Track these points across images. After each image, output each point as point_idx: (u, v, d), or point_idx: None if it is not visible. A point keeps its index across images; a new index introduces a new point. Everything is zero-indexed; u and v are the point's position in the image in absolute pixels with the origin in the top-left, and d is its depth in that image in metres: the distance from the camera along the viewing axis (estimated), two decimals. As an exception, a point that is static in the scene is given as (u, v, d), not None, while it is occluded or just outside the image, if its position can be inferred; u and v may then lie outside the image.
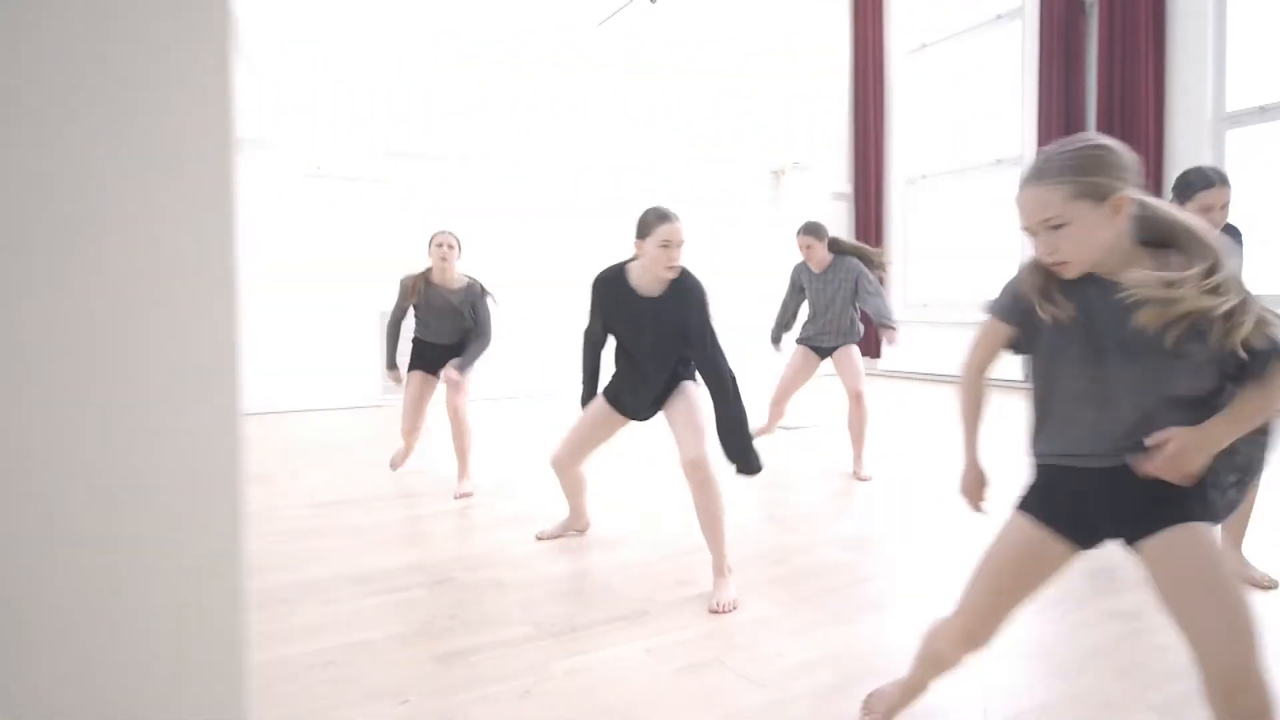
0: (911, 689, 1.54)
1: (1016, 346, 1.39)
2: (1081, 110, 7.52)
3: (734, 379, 2.51)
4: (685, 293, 2.53)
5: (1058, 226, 1.20)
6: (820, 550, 2.93)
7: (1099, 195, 1.18)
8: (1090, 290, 1.24)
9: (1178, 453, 1.15)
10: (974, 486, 1.48)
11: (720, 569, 2.43)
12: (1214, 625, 1.10)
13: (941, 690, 1.59)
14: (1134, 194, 1.22)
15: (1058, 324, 1.26)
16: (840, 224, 10.00)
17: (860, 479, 3.99)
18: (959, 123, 8.95)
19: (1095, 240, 1.19)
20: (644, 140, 8.08)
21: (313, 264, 6.49)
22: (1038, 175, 1.24)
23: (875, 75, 9.62)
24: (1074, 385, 1.28)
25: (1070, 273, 1.23)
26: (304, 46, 6.73)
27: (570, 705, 1.77)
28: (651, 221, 2.48)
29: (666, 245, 2.44)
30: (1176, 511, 1.19)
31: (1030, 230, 1.25)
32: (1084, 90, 7.50)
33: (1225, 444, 1.17)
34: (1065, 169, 1.21)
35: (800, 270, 4.18)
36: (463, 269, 3.93)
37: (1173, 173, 6.86)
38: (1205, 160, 6.43)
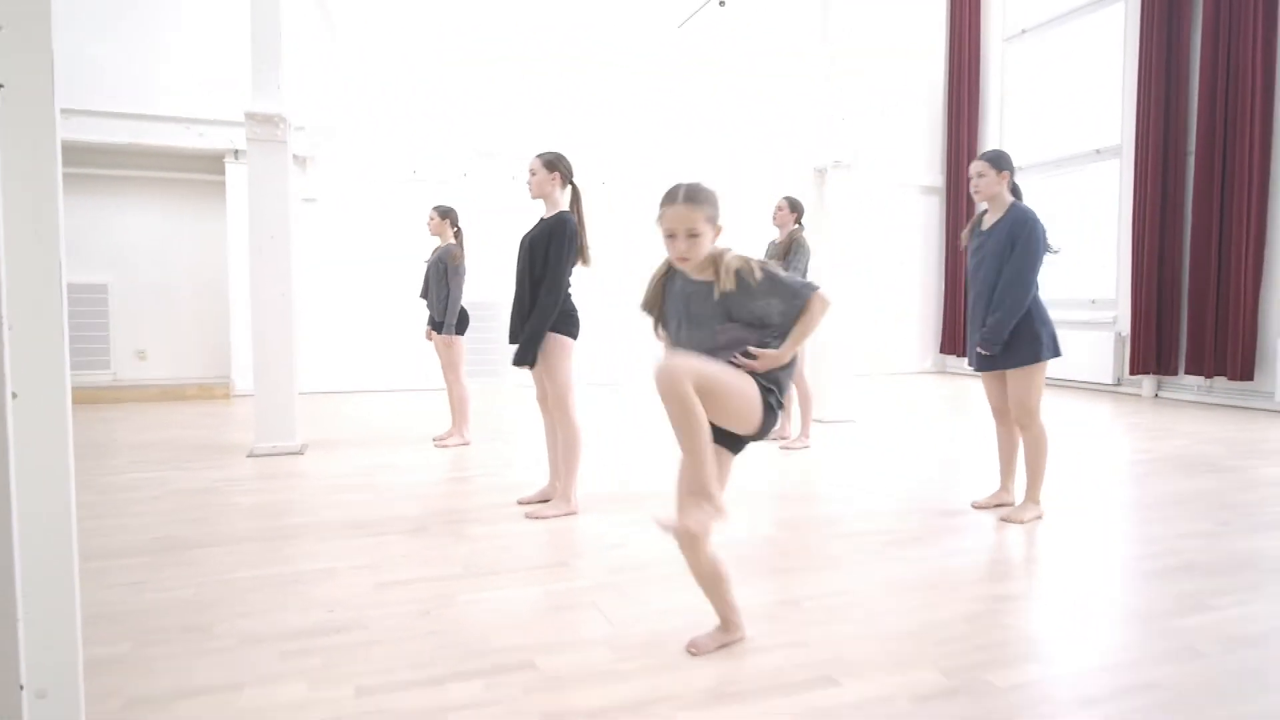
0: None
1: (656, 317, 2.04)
2: (1185, 98, 6.92)
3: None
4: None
5: (693, 235, 1.80)
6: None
7: (715, 220, 1.85)
8: (679, 281, 1.94)
9: (760, 363, 1.85)
10: None
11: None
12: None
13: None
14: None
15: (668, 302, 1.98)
16: (932, 217, 9.73)
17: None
18: (1057, 112, 8.43)
19: (707, 248, 1.84)
20: (707, 142, 8.27)
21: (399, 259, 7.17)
22: (689, 197, 1.80)
23: (971, 64, 9.23)
24: (679, 336, 1.95)
25: (688, 268, 1.88)
26: (397, 58, 7.48)
27: (452, 626, 2.12)
28: None
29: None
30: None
31: (672, 235, 1.82)
32: (1187, 76, 6.90)
33: (786, 359, 1.88)
34: (706, 198, 1.81)
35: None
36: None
37: (1283, 163, 6.26)
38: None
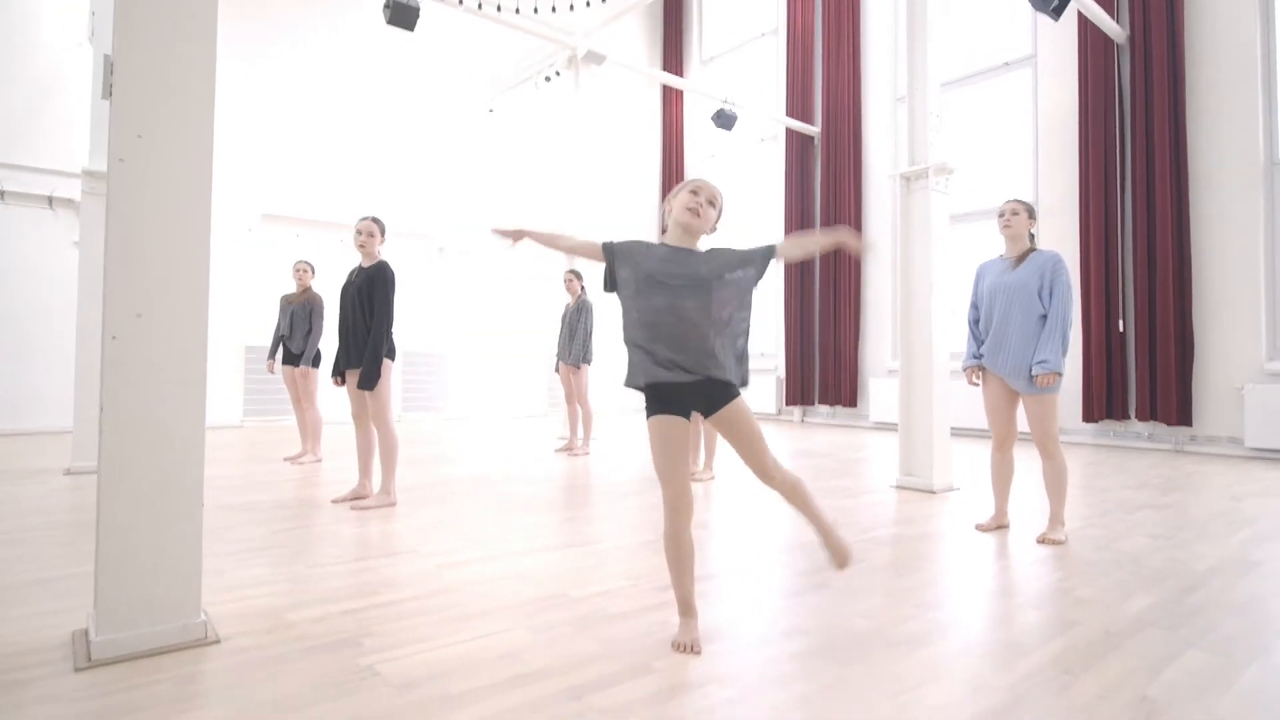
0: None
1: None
2: (811, 195, 10.06)
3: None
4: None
5: (712, 205, 2.16)
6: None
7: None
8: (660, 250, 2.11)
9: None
10: None
11: None
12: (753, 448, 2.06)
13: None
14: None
15: None
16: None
17: None
18: (738, 215, 11.38)
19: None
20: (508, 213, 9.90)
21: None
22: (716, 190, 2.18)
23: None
24: (649, 300, 2.05)
25: (696, 228, 2.13)
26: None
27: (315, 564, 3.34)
28: None
29: None
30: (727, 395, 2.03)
31: (698, 194, 2.12)
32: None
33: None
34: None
35: None
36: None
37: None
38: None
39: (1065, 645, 2.05)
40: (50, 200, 7.45)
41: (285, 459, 5.69)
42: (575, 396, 6.42)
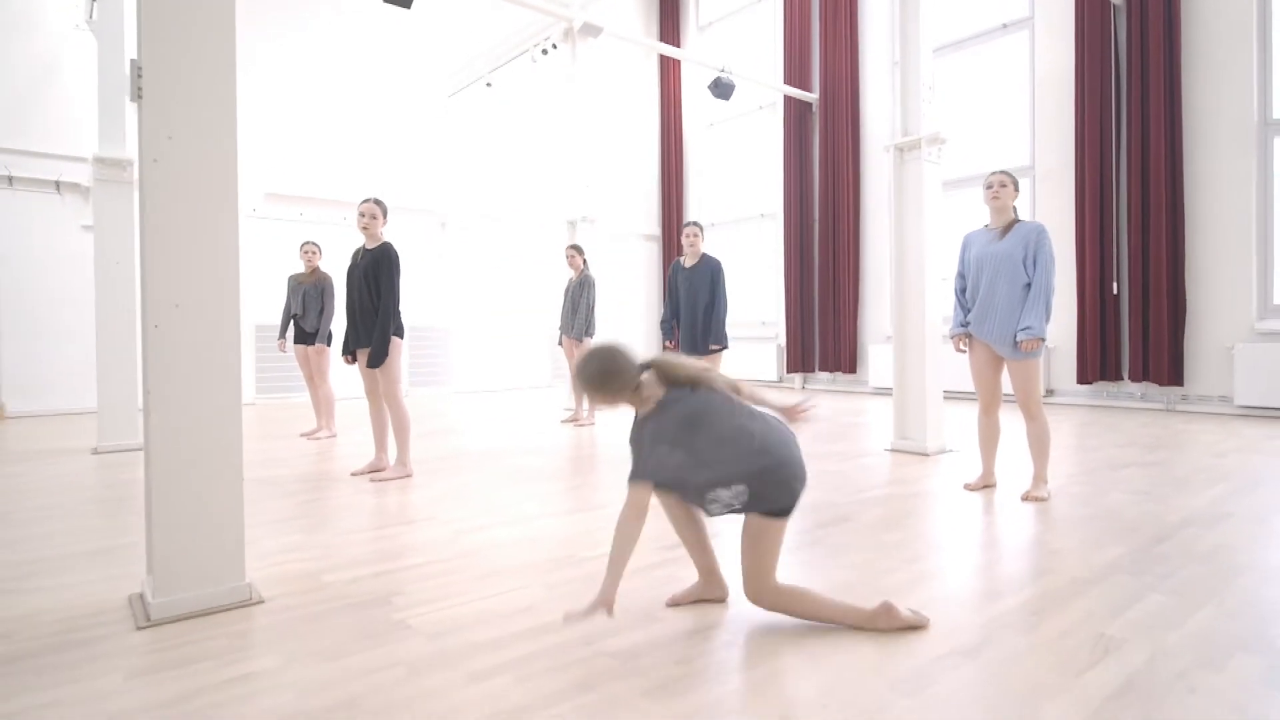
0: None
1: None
2: (810, 178, 10.12)
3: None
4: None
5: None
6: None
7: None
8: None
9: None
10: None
11: None
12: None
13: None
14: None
15: None
16: (652, 259, 12.29)
17: None
18: (734, 184, 11.46)
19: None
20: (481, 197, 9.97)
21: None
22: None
23: (677, 145, 12.04)
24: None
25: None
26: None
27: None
28: None
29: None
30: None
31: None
32: (811, 162, 10.11)
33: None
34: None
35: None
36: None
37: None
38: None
39: (1036, 591, 2.23)
40: (58, 185, 7.55)
41: (302, 435, 5.88)
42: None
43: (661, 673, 1.72)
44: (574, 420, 6.59)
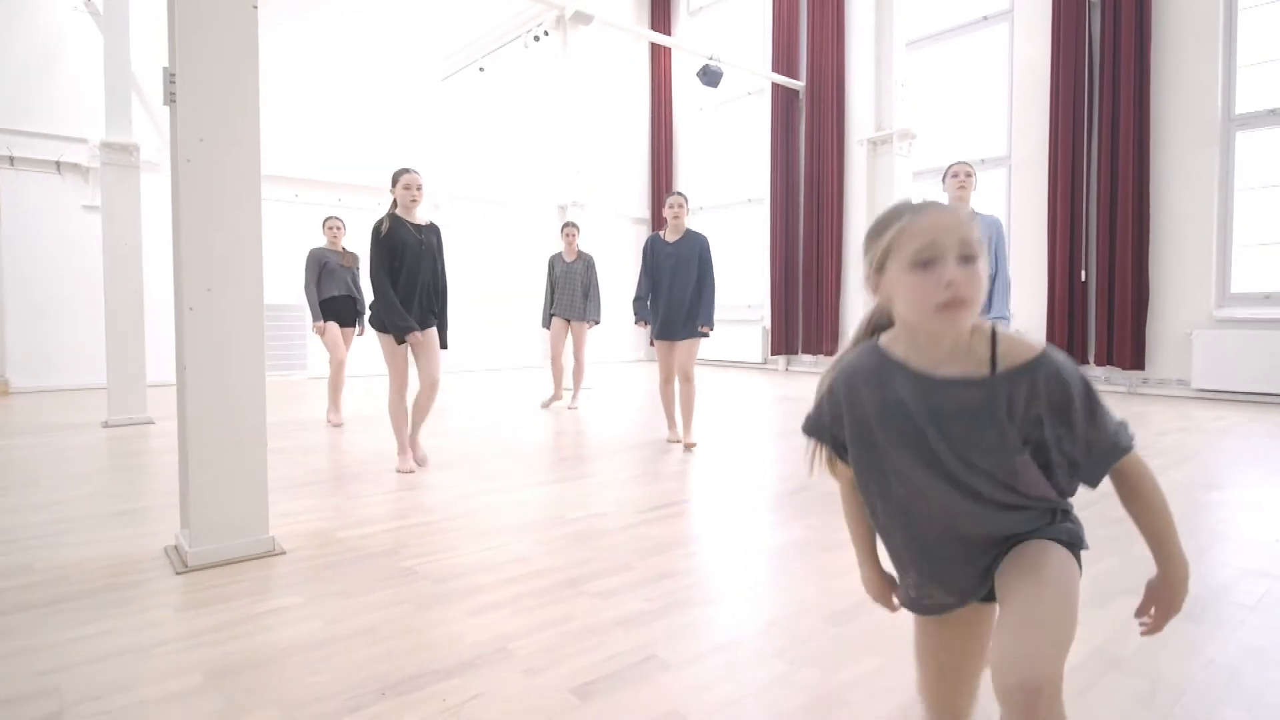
0: None
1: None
2: (795, 165, 10.36)
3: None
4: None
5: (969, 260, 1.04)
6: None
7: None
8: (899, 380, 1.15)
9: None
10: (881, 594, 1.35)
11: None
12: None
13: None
14: None
15: None
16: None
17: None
18: (724, 169, 11.69)
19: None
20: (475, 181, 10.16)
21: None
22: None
23: (668, 131, 12.24)
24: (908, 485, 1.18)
25: (962, 319, 1.07)
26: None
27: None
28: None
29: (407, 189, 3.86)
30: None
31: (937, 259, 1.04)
32: (798, 150, 10.35)
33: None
34: None
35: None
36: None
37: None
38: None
39: (966, 547, 2.55)
40: (58, 165, 7.71)
41: (330, 423, 5.52)
42: (576, 350, 6.65)
43: (631, 607, 2.03)
44: (554, 400, 6.66)
